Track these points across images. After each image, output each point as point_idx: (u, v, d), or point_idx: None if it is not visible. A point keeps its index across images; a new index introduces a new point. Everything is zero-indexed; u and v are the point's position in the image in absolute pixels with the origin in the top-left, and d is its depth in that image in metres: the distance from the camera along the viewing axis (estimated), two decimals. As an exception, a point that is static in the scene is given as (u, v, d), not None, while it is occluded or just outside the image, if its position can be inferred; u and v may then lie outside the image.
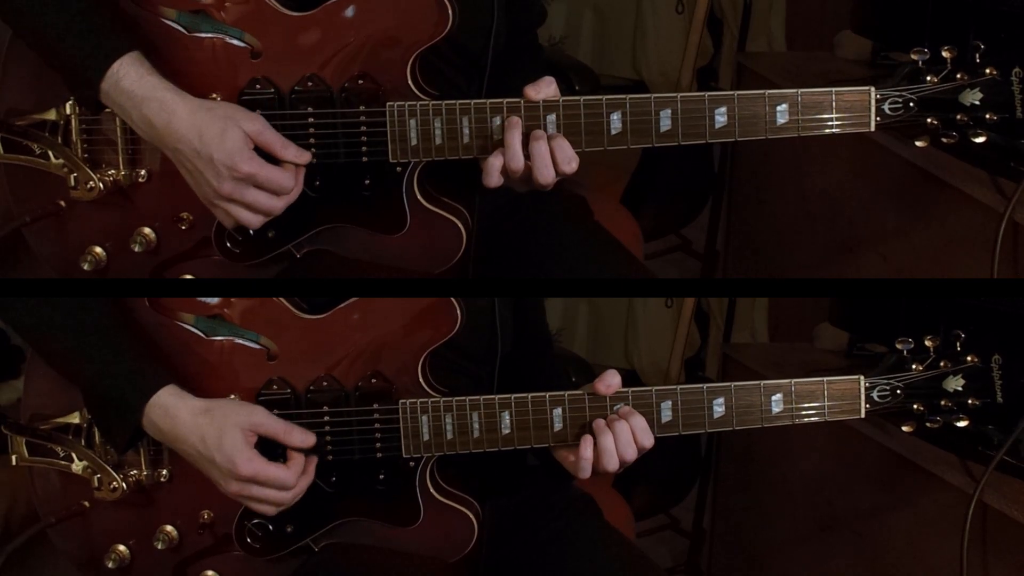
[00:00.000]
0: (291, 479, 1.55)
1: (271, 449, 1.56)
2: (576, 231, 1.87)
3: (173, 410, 1.55)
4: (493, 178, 1.56)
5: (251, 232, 1.63)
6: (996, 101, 1.52)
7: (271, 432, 1.56)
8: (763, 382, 1.59)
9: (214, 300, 1.62)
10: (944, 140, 1.55)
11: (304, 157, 1.57)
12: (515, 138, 1.54)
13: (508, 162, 1.54)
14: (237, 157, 1.52)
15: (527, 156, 1.54)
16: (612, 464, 1.55)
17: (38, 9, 1.55)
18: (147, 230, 1.67)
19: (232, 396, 1.60)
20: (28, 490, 1.70)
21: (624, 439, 1.55)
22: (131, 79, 1.54)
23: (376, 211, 1.63)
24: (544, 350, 1.90)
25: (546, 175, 1.54)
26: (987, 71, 1.53)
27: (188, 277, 1.68)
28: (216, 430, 1.53)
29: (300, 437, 1.57)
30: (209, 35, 1.60)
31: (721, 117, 1.55)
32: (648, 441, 1.56)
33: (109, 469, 1.63)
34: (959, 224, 2.01)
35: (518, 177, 1.56)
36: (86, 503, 1.66)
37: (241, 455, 1.52)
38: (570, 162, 1.55)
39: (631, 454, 1.56)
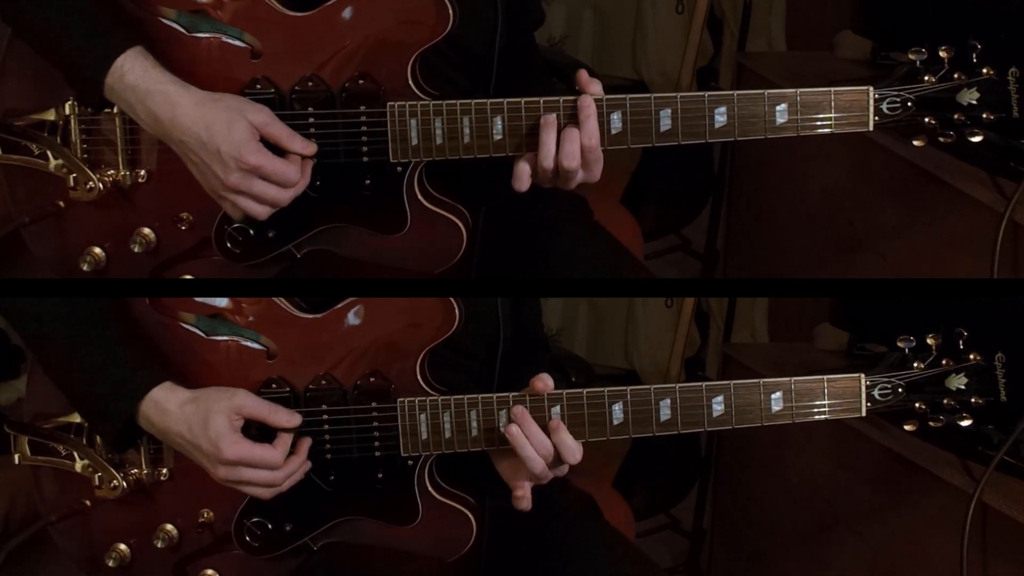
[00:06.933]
0: (278, 458, 1.54)
1: (265, 436, 1.56)
2: (576, 231, 1.87)
3: (164, 403, 1.55)
4: (524, 182, 1.57)
5: (251, 232, 1.63)
6: (993, 101, 1.53)
7: (255, 414, 1.55)
8: (762, 380, 1.57)
9: (214, 300, 1.62)
10: (941, 139, 1.56)
11: (311, 148, 1.58)
12: (551, 136, 1.54)
13: (542, 160, 1.55)
14: (244, 149, 1.52)
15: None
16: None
17: (40, 8, 1.56)
18: (147, 230, 1.67)
19: None
20: (31, 489, 1.71)
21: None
22: (135, 74, 1.54)
23: (376, 211, 1.63)
24: (540, 351, 1.90)
25: (572, 161, 1.54)
26: (984, 71, 1.53)
27: (188, 277, 1.69)
28: (201, 417, 1.53)
29: (285, 417, 1.57)
30: (209, 35, 1.60)
31: (721, 117, 1.55)
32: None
33: (110, 468, 1.64)
34: (959, 224, 2.01)
35: (548, 176, 1.56)
36: (87, 502, 1.67)
37: (225, 439, 1.52)
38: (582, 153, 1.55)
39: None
